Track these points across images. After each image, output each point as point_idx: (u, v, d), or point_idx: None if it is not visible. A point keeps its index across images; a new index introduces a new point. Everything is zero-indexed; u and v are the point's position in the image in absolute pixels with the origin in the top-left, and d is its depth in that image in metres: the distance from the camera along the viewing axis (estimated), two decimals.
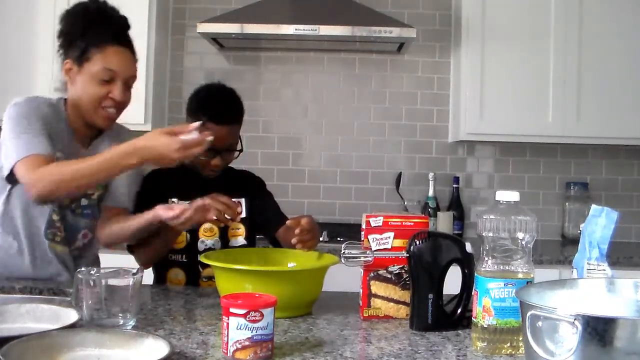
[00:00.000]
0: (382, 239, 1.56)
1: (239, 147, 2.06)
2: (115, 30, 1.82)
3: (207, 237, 2.03)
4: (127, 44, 1.84)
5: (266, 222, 2.10)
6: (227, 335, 1.20)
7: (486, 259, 1.31)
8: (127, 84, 1.83)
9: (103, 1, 1.83)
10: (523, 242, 1.29)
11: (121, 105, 1.83)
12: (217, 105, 2.02)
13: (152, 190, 2.07)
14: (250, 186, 2.17)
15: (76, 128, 1.86)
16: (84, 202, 1.90)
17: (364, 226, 1.58)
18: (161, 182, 2.10)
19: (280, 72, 3.61)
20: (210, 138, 1.59)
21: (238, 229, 2.06)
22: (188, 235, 2.03)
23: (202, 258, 1.71)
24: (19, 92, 1.93)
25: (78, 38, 1.78)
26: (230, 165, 2.17)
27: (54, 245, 1.88)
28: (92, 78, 1.78)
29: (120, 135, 1.91)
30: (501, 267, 1.29)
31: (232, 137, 2.03)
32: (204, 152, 1.92)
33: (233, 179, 2.14)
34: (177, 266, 2.03)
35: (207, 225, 2.02)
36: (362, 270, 1.57)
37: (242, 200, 2.08)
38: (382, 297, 1.57)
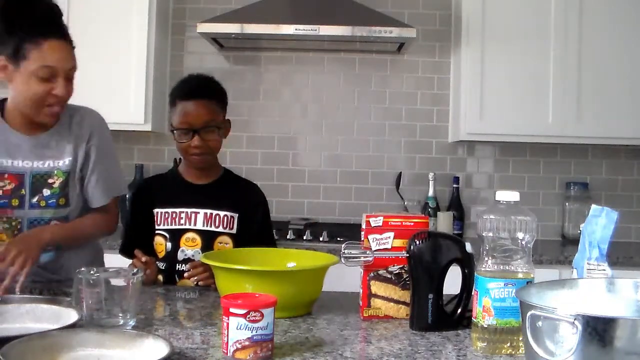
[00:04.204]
0: (382, 239, 1.56)
1: (223, 135, 2.05)
2: (46, 22, 1.72)
3: (189, 246, 2.02)
4: (62, 34, 1.75)
5: (248, 243, 1.98)
6: (227, 335, 1.20)
7: (486, 259, 1.31)
8: (68, 77, 1.77)
9: None
10: (523, 242, 1.29)
11: (64, 100, 1.79)
12: (187, 83, 2.08)
13: (145, 201, 2.08)
14: (246, 201, 2.09)
15: (18, 125, 1.82)
16: (46, 192, 1.82)
17: (364, 226, 1.58)
18: (154, 191, 2.11)
19: (280, 72, 3.61)
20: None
21: (227, 243, 2.02)
22: (169, 245, 2.02)
23: (202, 258, 1.71)
24: None
25: (7, 34, 1.69)
26: (236, 173, 2.17)
27: None
28: (31, 76, 1.70)
29: (91, 126, 1.89)
30: (501, 267, 1.30)
31: (207, 114, 1.99)
32: (183, 136, 1.98)
33: (228, 190, 2.10)
34: (159, 273, 2.04)
35: (189, 235, 2.01)
36: (362, 270, 1.57)
37: (235, 216, 2.04)
38: (382, 297, 1.57)
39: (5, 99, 1.85)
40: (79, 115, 1.90)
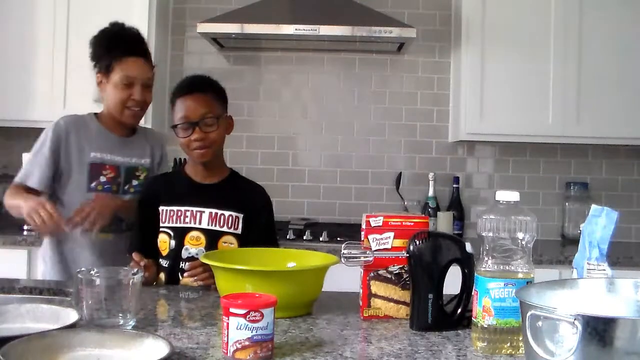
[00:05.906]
0: (382, 239, 1.56)
1: (224, 129, 2.05)
2: (130, 44, 2.22)
3: (193, 245, 2.01)
4: (141, 53, 2.23)
5: (251, 244, 1.98)
6: (227, 335, 1.20)
7: (486, 259, 1.31)
8: (146, 85, 2.23)
9: (121, 24, 2.26)
10: (523, 242, 1.29)
11: (144, 104, 2.25)
12: (184, 81, 2.12)
13: (151, 199, 2.08)
14: (251, 202, 2.08)
15: (111, 128, 2.28)
16: (134, 182, 2.27)
17: (364, 226, 1.58)
18: (159, 189, 2.10)
19: (280, 72, 3.61)
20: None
21: (231, 243, 2.02)
22: (172, 242, 2.02)
23: (202, 258, 1.71)
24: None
25: (104, 55, 2.21)
26: (241, 174, 2.16)
27: (103, 235, 2.20)
28: (116, 85, 2.19)
29: (161, 140, 2.42)
30: (501, 267, 1.30)
31: (204, 107, 2.00)
32: (183, 131, 2.01)
33: (234, 190, 2.09)
34: (162, 270, 2.03)
35: (194, 234, 2.01)
36: (362, 270, 1.57)
37: (240, 216, 2.04)
38: (382, 297, 1.57)
39: (99, 113, 2.31)
40: (151, 130, 2.48)
